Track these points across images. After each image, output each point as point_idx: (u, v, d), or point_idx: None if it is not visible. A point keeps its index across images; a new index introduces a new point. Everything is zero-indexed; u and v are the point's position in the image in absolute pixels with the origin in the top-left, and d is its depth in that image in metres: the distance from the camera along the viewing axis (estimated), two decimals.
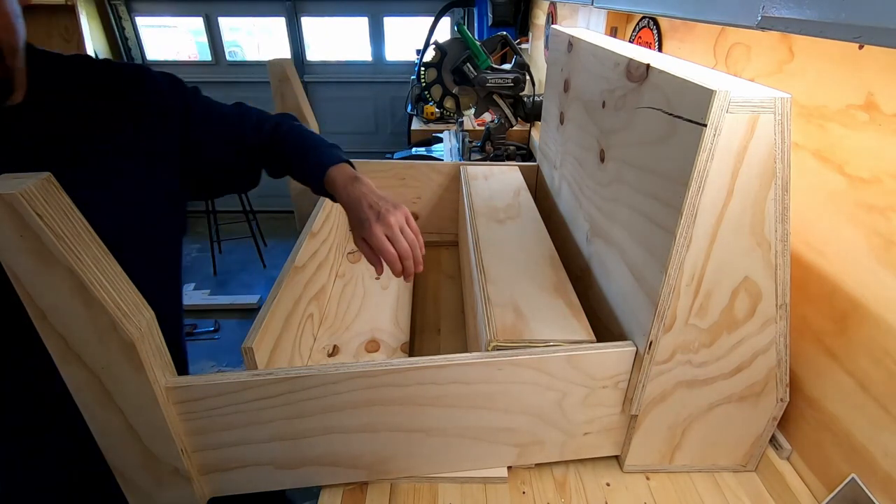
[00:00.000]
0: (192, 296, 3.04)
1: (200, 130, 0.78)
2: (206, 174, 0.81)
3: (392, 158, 2.14)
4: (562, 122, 1.04)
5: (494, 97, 1.56)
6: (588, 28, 1.42)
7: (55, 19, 3.05)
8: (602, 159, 0.79)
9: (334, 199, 0.78)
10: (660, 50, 1.15)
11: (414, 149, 2.34)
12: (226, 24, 3.60)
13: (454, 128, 2.34)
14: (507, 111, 1.60)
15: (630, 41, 1.30)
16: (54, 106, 0.64)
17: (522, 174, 1.20)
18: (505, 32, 1.59)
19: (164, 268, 0.78)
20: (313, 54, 3.73)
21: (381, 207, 0.70)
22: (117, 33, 3.46)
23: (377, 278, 0.72)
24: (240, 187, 0.89)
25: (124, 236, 0.62)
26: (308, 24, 3.60)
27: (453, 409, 0.64)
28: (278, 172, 0.86)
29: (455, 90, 1.57)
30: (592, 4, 1.00)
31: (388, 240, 0.69)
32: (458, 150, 1.97)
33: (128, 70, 0.73)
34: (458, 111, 1.62)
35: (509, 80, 1.51)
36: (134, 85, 0.72)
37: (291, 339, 0.81)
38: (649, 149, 0.62)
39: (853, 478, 0.58)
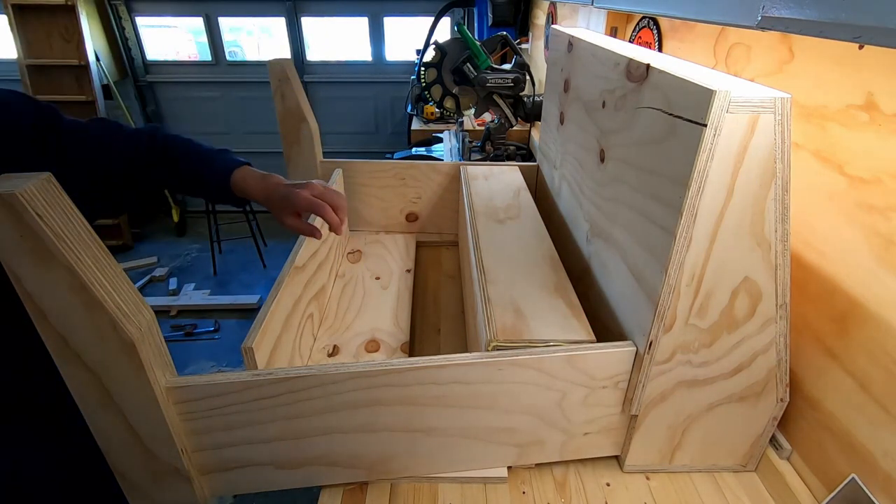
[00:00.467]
0: (193, 296, 3.04)
1: (76, 153, 0.70)
2: (85, 197, 0.70)
3: (392, 158, 2.14)
4: (562, 122, 1.04)
5: (494, 97, 1.56)
6: (588, 28, 1.42)
7: (55, 19, 3.05)
8: (602, 159, 0.79)
9: (238, 204, 0.81)
10: (660, 50, 1.15)
11: (414, 149, 2.34)
12: (226, 24, 3.60)
13: (454, 128, 2.34)
14: (507, 111, 1.60)
15: (630, 41, 1.30)
16: None
17: (522, 174, 1.20)
18: (505, 32, 1.59)
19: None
20: (313, 54, 3.73)
21: (299, 182, 0.75)
22: (117, 33, 3.45)
23: (319, 238, 0.78)
24: (117, 209, 0.81)
25: None
26: (308, 24, 3.60)
27: (453, 409, 0.64)
28: (158, 185, 0.80)
29: (455, 90, 1.57)
30: (592, 4, 1.00)
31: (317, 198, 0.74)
32: (458, 150, 1.97)
33: None
34: (458, 111, 1.62)
35: (509, 80, 1.51)
36: None
37: (291, 339, 0.81)
38: (649, 149, 0.62)
39: (853, 478, 0.58)
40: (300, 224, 0.77)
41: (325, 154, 1.24)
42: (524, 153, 1.85)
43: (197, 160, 0.79)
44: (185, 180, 0.80)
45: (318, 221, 0.87)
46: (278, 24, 3.61)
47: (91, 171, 0.72)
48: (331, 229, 0.76)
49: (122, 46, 3.49)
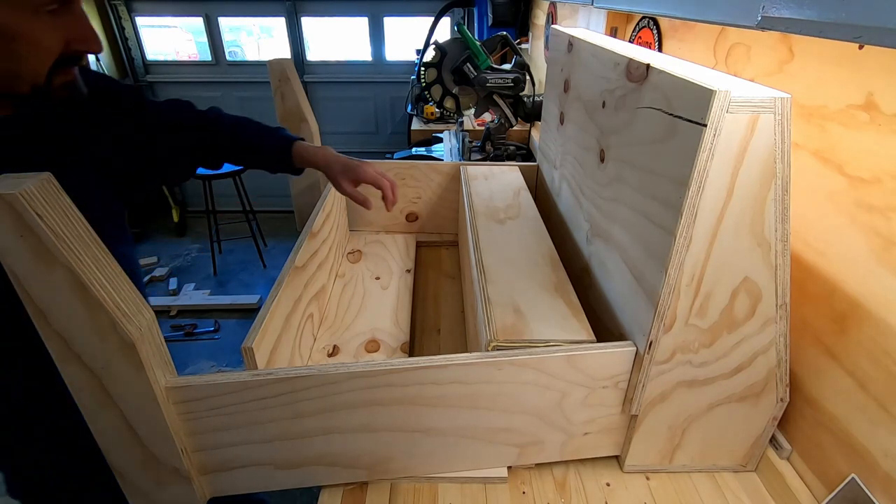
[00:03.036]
0: (193, 296, 3.03)
1: (154, 128, 0.81)
2: (159, 164, 0.83)
3: (392, 158, 2.14)
4: (562, 122, 1.04)
5: (494, 97, 1.56)
6: (588, 28, 1.42)
7: None
8: (602, 159, 0.79)
9: (295, 172, 0.93)
10: (660, 50, 1.15)
11: (414, 149, 2.34)
12: (226, 24, 3.60)
13: (454, 128, 2.33)
14: (507, 111, 1.60)
15: (630, 41, 1.30)
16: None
17: (522, 174, 1.20)
18: (505, 32, 1.59)
19: None
20: (313, 54, 3.72)
21: (353, 158, 0.88)
22: (117, 33, 3.45)
23: (383, 206, 0.92)
24: (184, 175, 0.91)
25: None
26: (308, 24, 3.60)
27: (453, 409, 0.64)
28: (222, 156, 0.91)
29: (455, 90, 1.57)
30: (592, 4, 1.00)
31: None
32: (458, 150, 1.97)
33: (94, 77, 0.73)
34: (458, 111, 1.62)
35: (509, 80, 1.51)
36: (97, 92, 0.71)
37: (291, 339, 0.81)
38: (649, 149, 0.62)
39: (853, 478, 0.58)
40: (356, 192, 0.87)
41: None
42: (524, 153, 1.85)
43: (257, 135, 0.90)
44: (247, 152, 0.91)
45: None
46: (278, 24, 3.61)
47: (165, 143, 0.82)
48: (386, 203, 0.89)
49: (122, 46, 3.49)
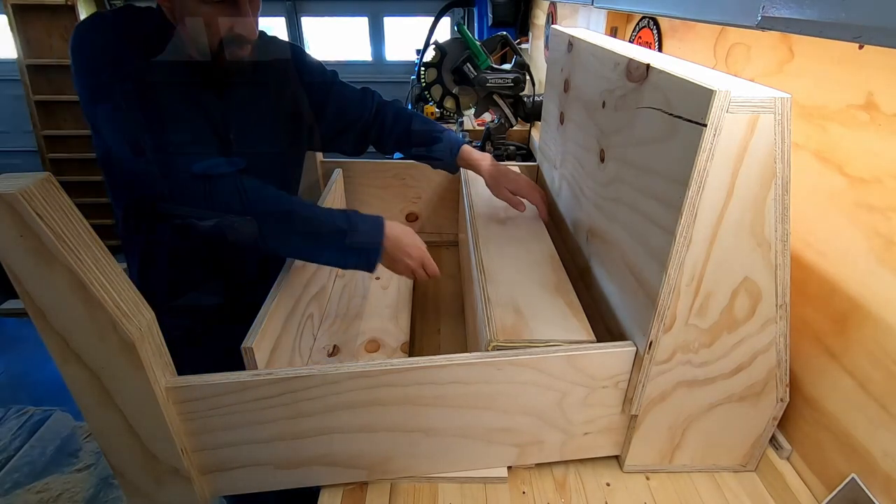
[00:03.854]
0: None
1: (341, 104, 1.03)
2: (337, 137, 1.05)
3: (392, 158, 2.14)
4: (562, 122, 1.04)
5: (494, 97, 1.56)
6: (588, 28, 1.42)
7: (55, 19, 3.05)
8: (602, 159, 0.79)
9: (453, 171, 1.06)
10: (660, 50, 1.15)
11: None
12: None
13: (454, 128, 2.34)
14: (507, 111, 1.59)
15: (630, 41, 1.30)
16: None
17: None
18: (505, 32, 1.59)
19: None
20: (313, 54, 3.73)
21: (515, 172, 1.02)
22: None
23: (523, 210, 1.00)
24: (355, 152, 1.10)
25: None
26: (308, 24, 3.60)
27: (453, 409, 0.64)
28: (391, 149, 1.07)
29: (455, 90, 1.56)
30: (592, 4, 1.00)
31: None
32: None
33: (291, 47, 1.02)
34: (458, 111, 1.61)
35: (509, 80, 1.51)
36: (293, 60, 0.99)
37: (291, 339, 0.81)
38: (649, 149, 0.62)
39: (853, 478, 0.58)
40: (513, 197, 0.98)
41: (325, 153, 1.24)
42: (524, 153, 1.85)
43: (430, 134, 1.04)
44: (418, 147, 1.05)
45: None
46: (278, 24, 3.61)
47: (343, 119, 1.03)
48: (540, 214, 1.00)
49: None
